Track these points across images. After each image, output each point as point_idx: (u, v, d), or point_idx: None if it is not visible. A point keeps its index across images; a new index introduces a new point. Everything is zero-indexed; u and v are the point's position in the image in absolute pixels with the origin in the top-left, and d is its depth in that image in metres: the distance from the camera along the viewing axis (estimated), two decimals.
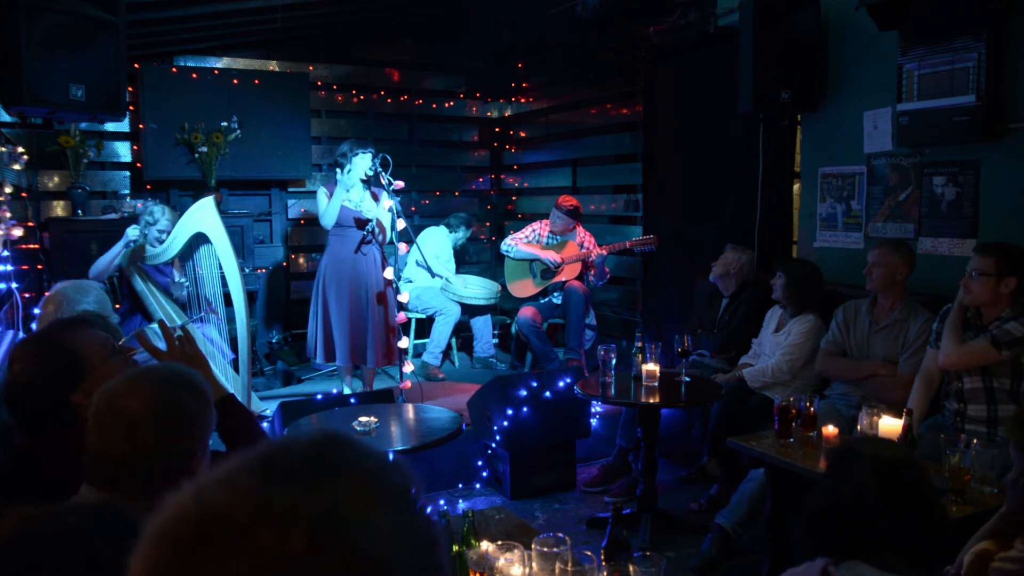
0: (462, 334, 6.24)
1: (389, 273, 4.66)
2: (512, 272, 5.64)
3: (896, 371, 3.40)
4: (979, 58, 3.44)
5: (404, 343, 4.60)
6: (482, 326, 5.99)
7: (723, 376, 4.06)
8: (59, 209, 5.43)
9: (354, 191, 4.78)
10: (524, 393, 4.13)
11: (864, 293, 3.63)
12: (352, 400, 4.06)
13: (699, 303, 4.65)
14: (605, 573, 1.86)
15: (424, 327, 5.91)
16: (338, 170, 4.84)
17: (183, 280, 4.40)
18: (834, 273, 4.24)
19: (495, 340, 6.69)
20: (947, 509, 1.66)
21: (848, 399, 3.51)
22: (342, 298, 4.81)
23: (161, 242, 4.36)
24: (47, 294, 3.02)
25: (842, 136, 4.22)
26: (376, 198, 4.80)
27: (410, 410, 3.73)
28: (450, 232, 6.22)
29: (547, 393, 4.20)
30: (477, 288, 5.88)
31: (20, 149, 4.80)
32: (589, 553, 1.77)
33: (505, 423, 4.10)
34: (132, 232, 4.36)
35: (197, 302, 4.41)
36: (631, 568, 1.77)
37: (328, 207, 4.74)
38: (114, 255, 4.37)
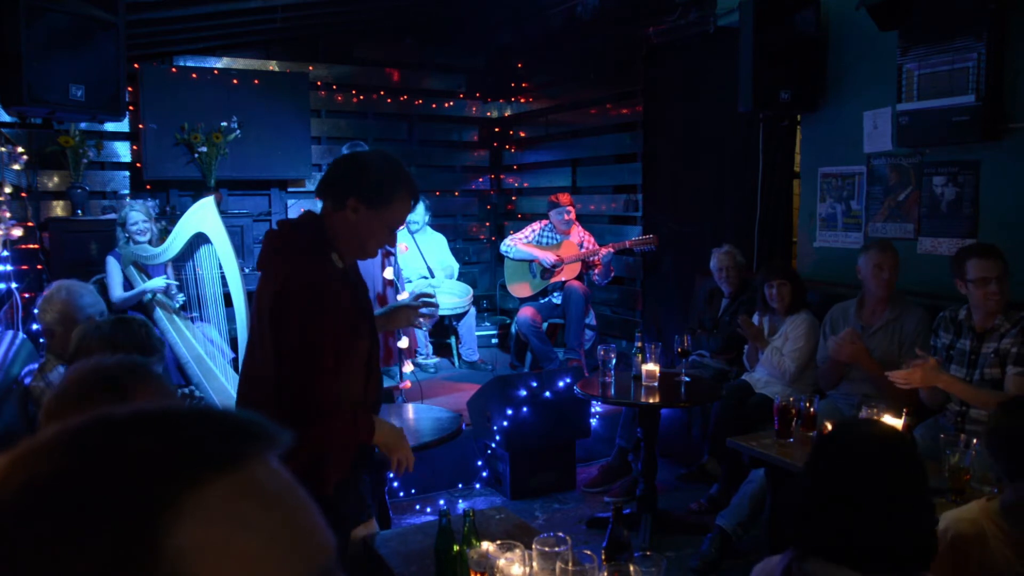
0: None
1: (389, 273, 4.66)
2: (512, 273, 5.64)
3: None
4: (979, 58, 3.44)
5: (404, 343, 4.61)
6: (466, 330, 5.95)
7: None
8: (59, 209, 5.43)
9: None
10: (524, 393, 4.13)
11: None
12: None
13: (699, 303, 4.65)
14: (605, 573, 1.86)
15: (436, 327, 5.92)
16: None
17: (175, 290, 4.37)
18: (834, 273, 4.24)
19: (495, 340, 6.70)
20: (935, 508, 1.48)
21: (849, 398, 3.50)
22: None
23: (141, 233, 4.37)
24: (44, 294, 3.03)
25: (842, 136, 4.22)
26: None
27: (410, 410, 3.72)
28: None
29: (547, 393, 4.20)
30: (448, 297, 5.72)
31: (20, 149, 4.80)
32: (589, 553, 1.77)
33: (505, 423, 4.10)
34: (159, 282, 4.33)
35: (197, 302, 4.41)
36: (631, 568, 1.77)
37: None
38: (139, 293, 4.34)
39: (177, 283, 4.38)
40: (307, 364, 1.93)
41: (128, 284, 4.37)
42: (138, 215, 4.41)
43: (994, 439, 1.85)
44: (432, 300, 2.41)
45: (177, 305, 4.36)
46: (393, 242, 2.15)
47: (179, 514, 0.43)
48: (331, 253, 2.03)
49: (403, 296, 4.72)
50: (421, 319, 2.44)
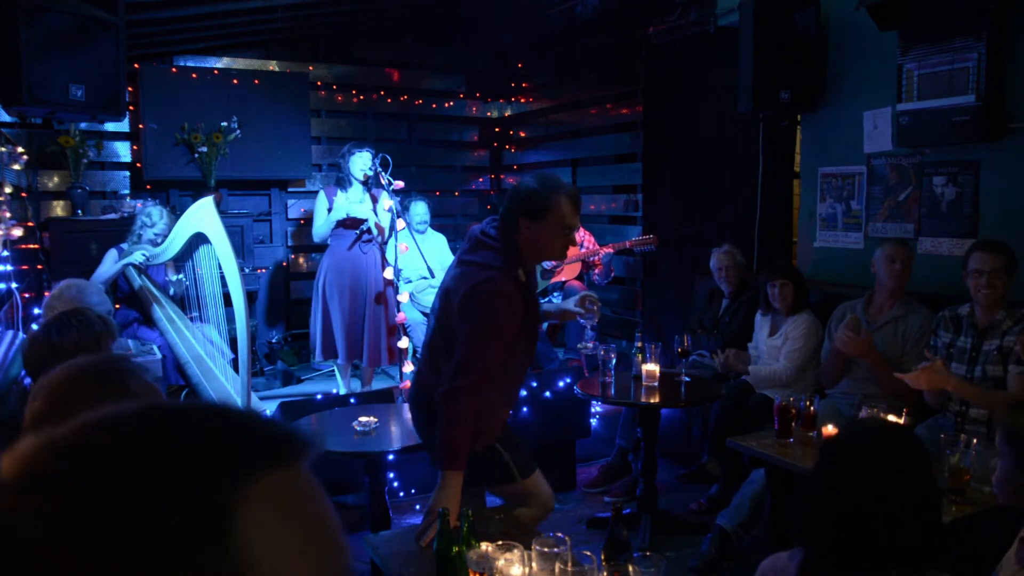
0: None
1: (389, 273, 4.65)
2: None
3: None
4: (979, 58, 3.44)
5: (404, 343, 4.60)
6: None
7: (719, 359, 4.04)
8: (59, 209, 5.43)
9: (353, 191, 4.80)
10: (524, 393, 4.13)
11: (863, 293, 3.63)
12: (352, 400, 4.06)
13: (699, 303, 4.65)
14: (605, 573, 1.86)
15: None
16: (339, 175, 4.89)
17: (181, 277, 4.40)
18: (834, 273, 4.24)
19: None
20: (944, 510, 1.48)
21: (850, 398, 3.50)
22: (342, 296, 4.84)
23: (157, 245, 4.36)
24: (48, 293, 3.04)
25: (842, 136, 4.22)
26: (375, 199, 4.80)
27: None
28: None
29: (547, 393, 4.20)
30: None
31: (20, 149, 4.80)
32: (589, 553, 1.77)
33: None
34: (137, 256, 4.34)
35: (196, 302, 4.41)
36: (631, 568, 1.77)
37: (321, 225, 4.84)
38: (113, 271, 4.36)
39: (182, 277, 4.40)
40: (477, 350, 2.30)
41: (126, 281, 4.40)
42: (164, 227, 4.41)
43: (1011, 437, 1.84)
44: (595, 297, 2.86)
45: (179, 279, 4.38)
46: (573, 241, 2.45)
47: (248, 495, 0.45)
48: (518, 269, 2.38)
49: (403, 297, 4.72)
50: (587, 314, 2.88)
